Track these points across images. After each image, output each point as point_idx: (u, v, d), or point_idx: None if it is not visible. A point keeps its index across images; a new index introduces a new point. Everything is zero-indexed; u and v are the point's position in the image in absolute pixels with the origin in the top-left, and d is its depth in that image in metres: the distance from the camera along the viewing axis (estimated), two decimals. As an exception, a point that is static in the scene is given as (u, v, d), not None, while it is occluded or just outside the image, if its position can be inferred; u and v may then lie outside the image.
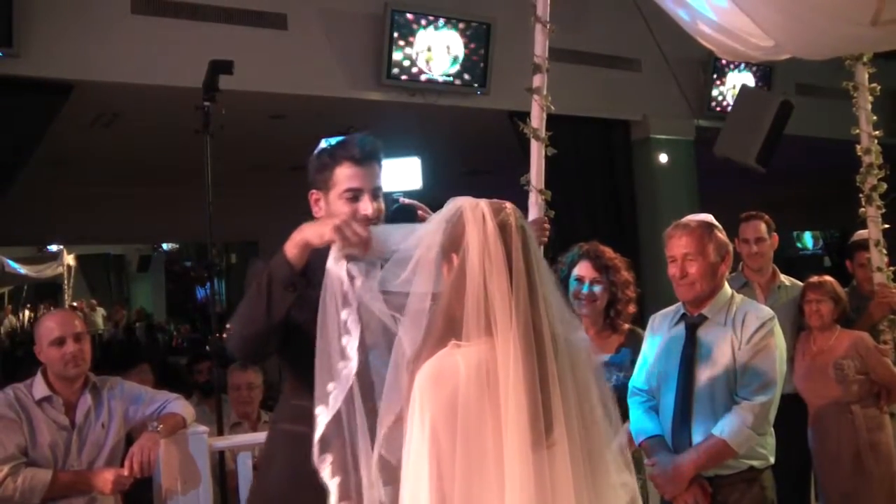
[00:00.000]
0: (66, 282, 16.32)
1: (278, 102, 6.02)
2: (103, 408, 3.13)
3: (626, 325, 3.29)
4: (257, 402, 4.41)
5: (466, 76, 6.23)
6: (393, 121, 6.60)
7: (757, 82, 7.68)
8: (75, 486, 2.99)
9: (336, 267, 2.01)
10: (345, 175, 2.18)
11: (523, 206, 1.90)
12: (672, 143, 7.43)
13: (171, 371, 7.03)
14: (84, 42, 5.01)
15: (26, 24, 4.76)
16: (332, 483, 1.95)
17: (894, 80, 4.98)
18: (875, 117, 4.08)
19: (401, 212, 2.39)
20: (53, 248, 15.65)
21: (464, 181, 8.79)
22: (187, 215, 6.87)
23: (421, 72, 6.05)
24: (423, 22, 6.00)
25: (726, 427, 2.68)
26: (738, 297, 2.91)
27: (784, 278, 4.11)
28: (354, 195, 2.17)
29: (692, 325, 2.86)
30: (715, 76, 7.56)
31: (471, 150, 8.26)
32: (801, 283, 3.98)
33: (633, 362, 3.12)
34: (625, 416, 2.90)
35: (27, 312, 16.92)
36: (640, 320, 3.30)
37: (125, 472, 3.00)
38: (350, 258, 2.04)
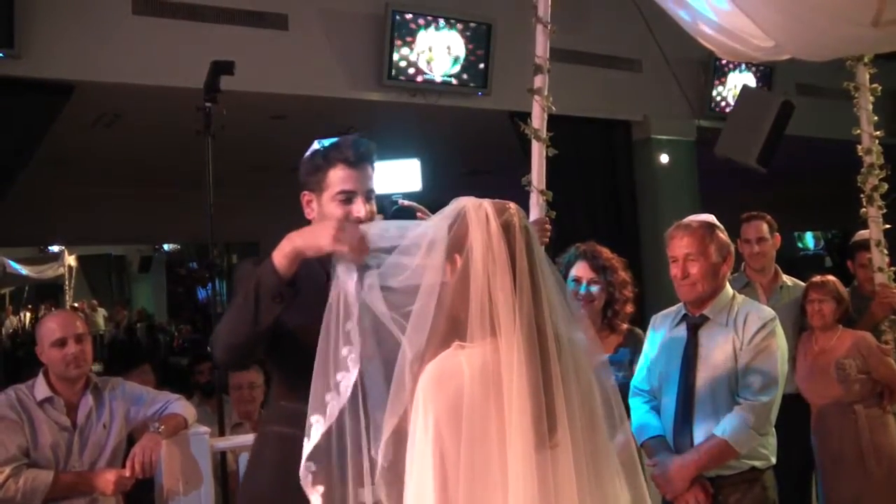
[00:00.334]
0: (67, 282, 16.34)
1: (279, 103, 6.03)
2: (105, 409, 3.13)
3: (625, 326, 3.29)
4: (259, 401, 4.40)
5: (467, 77, 6.23)
6: (393, 121, 6.60)
7: (758, 82, 7.68)
8: (77, 487, 2.99)
9: (346, 276, 2.00)
10: (338, 177, 2.16)
11: (524, 207, 1.89)
12: (673, 144, 7.43)
13: (173, 372, 7.04)
14: (85, 43, 5.01)
15: (27, 25, 4.76)
16: (314, 494, 1.94)
17: (895, 80, 4.97)
18: (876, 117, 4.08)
19: (400, 214, 2.39)
20: (54, 248, 15.66)
21: (464, 182, 8.78)
22: (188, 216, 6.88)
23: (422, 72, 6.05)
24: (424, 22, 6.00)
25: (728, 427, 2.68)
26: (740, 297, 2.91)
27: (786, 278, 4.11)
28: (348, 197, 2.16)
29: (694, 325, 2.86)
30: (716, 76, 7.56)
31: (471, 150, 8.26)
32: (803, 284, 3.97)
33: (633, 362, 3.13)
34: (626, 415, 2.90)
35: (28, 313, 16.92)
36: (642, 320, 3.29)
37: (126, 472, 3.00)
38: (345, 261, 2.02)
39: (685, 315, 2.91)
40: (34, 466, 2.94)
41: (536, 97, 3.20)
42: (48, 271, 16.13)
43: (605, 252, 3.32)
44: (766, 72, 7.70)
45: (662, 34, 5.62)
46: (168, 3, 5.27)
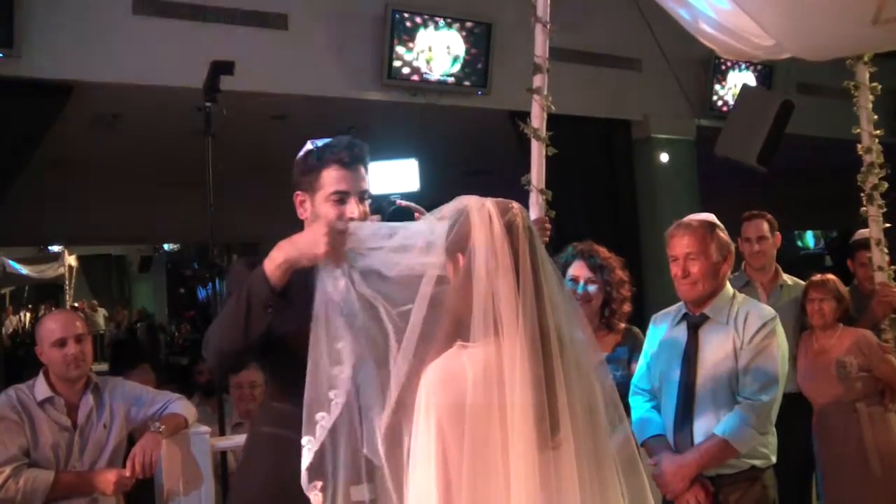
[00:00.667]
0: (67, 282, 16.35)
1: (279, 103, 6.03)
2: (105, 408, 3.13)
3: (623, 325, 3.28)
4: (259, 400, 4.40)
5: (467, 76, 6.23)
6: (394, 121, 6.60)
7: (758, 82, 7.68)
8: (77, 487, 2.99)
9: (331, 284, 1.99)
10: (332, 178, 2.15)
11: (524, 206, 1.89)
12: (673, 143, 7.43)
13: (173, 371, 7.04)
14: (85, 43, 5.01)
15: (27, 26, 4.76)
16: (313, 492, 1.95)
17: (895, 79, 4.97)
18: (876, 116, 4.08)
19: (397, 214, 2.38)
20: (55, 248, 15.67)
21: (464, 181, 8.74)
22: (188, 216, 6.87)
23: (422, 72, 6.05)
24: (423, 22, 6.00)
25: (728, 426, 2.68)
26: (740, 296, 2.91)
27: (786, 277, 4.11)
28: (341, 198, 2.15)
29: (694, 324, 2.86)
30: (716, 76, 7.56)
31: (471, 150, 8.25)
32: (803, 283, 3.97)
33: (631, 361, 3.12)
34: (625, 414, 2.90)
35: (28, 313, 16.93)
36: (642, 320, 3.29)
37: (127, 472, 2.99)
38: (329, 267, 2.02)
39: (685, 314, 2.91)
40: (34, 466, 2.94)
41: (536, 97, 3.20)
42: (48, 271, 16.14)
43: (603, 251, 3.31)
44: (766, 71, 7.69)
45: (662, 33, 5.63)
46: (168, 3, 5.26)
